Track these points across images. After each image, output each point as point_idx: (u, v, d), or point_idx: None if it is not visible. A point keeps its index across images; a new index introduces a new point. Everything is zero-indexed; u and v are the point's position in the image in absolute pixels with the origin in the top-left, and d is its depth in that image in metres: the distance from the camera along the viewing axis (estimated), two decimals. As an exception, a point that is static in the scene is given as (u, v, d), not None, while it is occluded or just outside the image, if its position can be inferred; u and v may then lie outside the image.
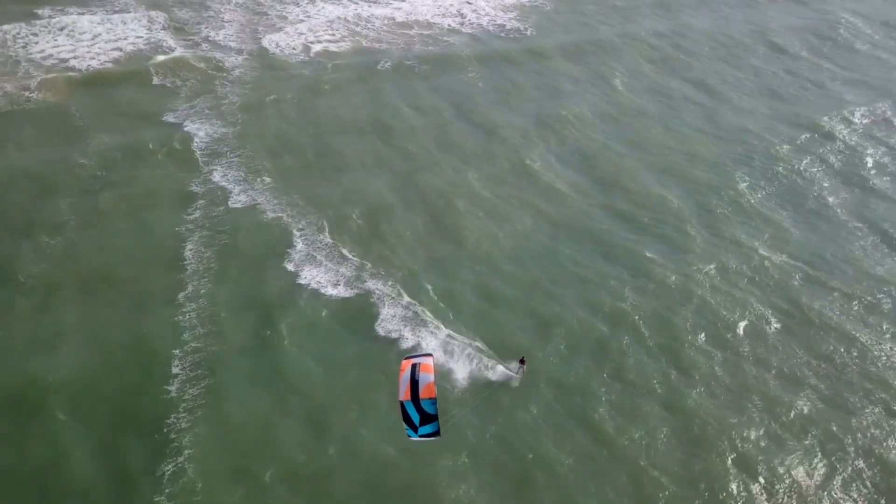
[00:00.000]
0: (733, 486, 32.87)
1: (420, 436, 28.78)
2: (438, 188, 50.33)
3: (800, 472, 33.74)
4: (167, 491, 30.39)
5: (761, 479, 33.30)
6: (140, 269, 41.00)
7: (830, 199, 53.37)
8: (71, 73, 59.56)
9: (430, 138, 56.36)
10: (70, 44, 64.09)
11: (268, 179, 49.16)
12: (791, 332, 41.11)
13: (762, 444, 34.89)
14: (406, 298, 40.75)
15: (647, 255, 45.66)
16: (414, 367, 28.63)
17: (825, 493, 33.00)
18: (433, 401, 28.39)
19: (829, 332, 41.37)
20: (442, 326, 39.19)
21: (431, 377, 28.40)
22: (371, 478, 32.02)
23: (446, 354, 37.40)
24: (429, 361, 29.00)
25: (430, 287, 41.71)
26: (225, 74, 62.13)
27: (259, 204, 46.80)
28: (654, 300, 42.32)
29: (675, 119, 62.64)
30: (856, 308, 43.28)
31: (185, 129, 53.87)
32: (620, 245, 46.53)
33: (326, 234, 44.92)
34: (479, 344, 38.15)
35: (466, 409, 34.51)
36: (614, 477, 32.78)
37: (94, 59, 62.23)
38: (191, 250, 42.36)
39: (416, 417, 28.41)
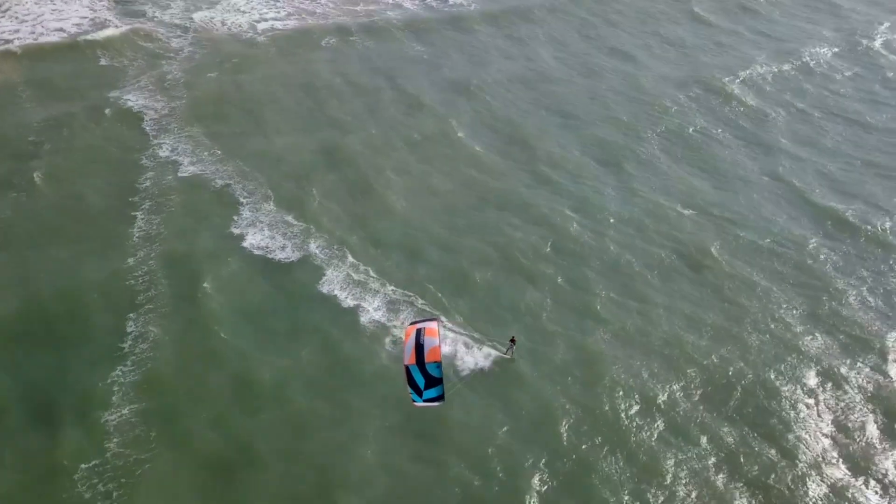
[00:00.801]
0: (633, 419, 35.79)
1: (425, 400, 29.17)
2: (372, 154, 52.50)
3: (691, 399, 36.89)
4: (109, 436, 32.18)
5: (661, 410, 36.35)
6: (90, 233, 42.57)
7: (737, 156, 57.26)
8: (14, 53, 60.14)
9: (362, 107, 58.46)
10: (13, 25, 64.63)
11: (216, 150, 50.76)
12: (697, 278, 44.32)
13: (660, 377, 37.78)
14: (350, 259, 42.79)
15: (567, 212, 48.52)
16: (419, 331, 29.03)
17: (713, 414, 36.01)
18: (438, 364, 28.72)
19: (733, 278, 44.65)
20: (387, 283, 41.33)
21: (437, 341, 28.77)
22: (296, 430, 33.52)
23: (390, 311, 39.64)
24: (433, 326, 29.33)
25: (368, 248, 43.81)
26: (170, 51, 63.26)
27: (206, 173, 48.40)
28: (569, 255, 45.00)
29: (596, 85, 65.74)
30: (760, 255, 46.67)
31: (132, 104, 55.02)
32: (541, 204, 49.18)
33: (271, 201, 46.74)
34: (419, 300, 40.40)
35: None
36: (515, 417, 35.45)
37: (37, 38, 62.87)
38: (141, 218, 44.05)
39: (421, 381, 28.75)
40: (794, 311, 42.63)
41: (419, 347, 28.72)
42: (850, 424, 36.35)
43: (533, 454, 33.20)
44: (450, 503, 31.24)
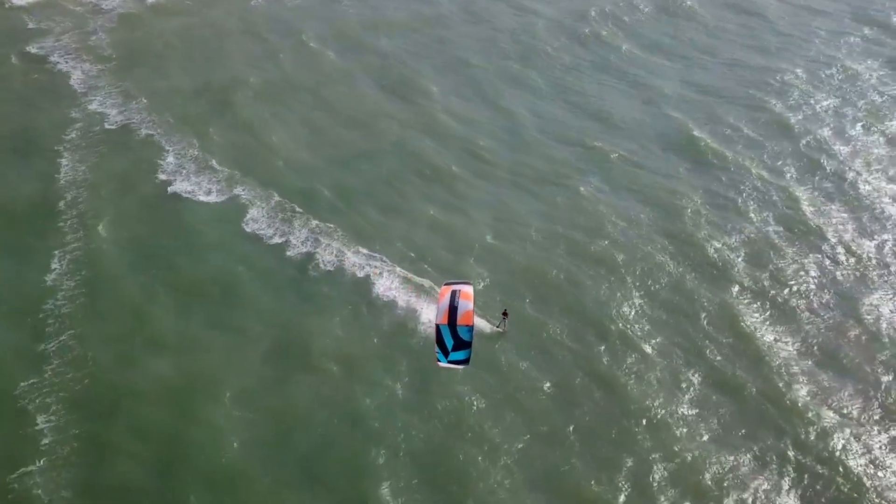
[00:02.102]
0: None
1: (449, 361, 29.21)
2: (302, 104, 54.37)
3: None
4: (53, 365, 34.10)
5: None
6: (16, 184, 43.94)
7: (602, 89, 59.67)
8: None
9: (292, 60, 60.03)
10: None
11: (143, 100, 52.24)
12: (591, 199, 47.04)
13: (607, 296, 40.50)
14: (276, 198, 44.64)
15: (481, 145, 51.13)
16: (454, 293, 29.02)
17: (635, 325, 38.80)
18: (470, 328, 28.75)
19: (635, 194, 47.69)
20: (311, 218, 43.27)
21: (470, 305, 28.81)
22: (231, 353, 35.89)
23: (312, 243, 41.72)
24: (468, 289, 29.31)
25: (297, 187, 45.85)
26: (100, 13, 63.93)
27: (132, 123, 49.87)
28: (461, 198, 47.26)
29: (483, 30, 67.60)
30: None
31: (61, 65, 55.95)
32: (454, 135, 52.11)
33: (196, 148, 48.31)
34: (341, 231, 42.56)
35: None
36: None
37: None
38: (66, 166, 45.45)
39: (449, 343, 28.83)
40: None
41: (452, 309, 28.71)
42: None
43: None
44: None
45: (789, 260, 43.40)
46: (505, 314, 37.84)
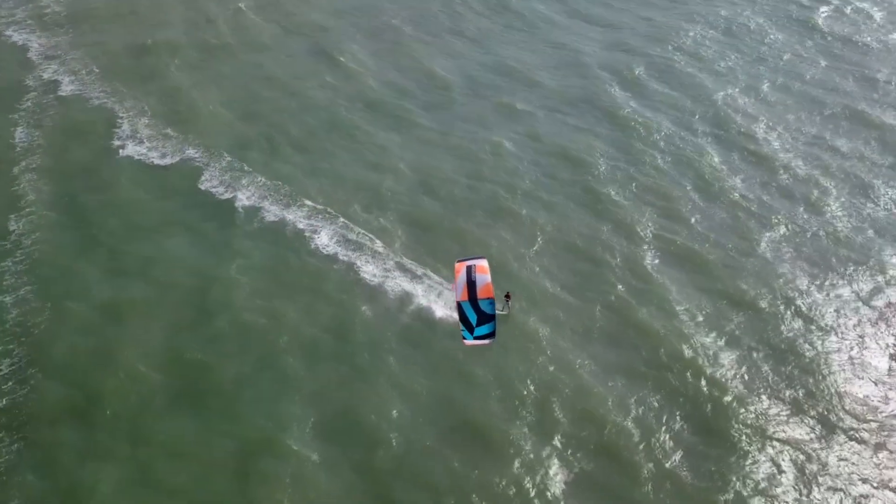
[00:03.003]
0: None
1: (475, 337, 29.40)
2: (250, 72, 56.15)
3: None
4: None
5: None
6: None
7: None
8: None
9: (234, 29, 61.80)
10: None
11: (95, 69, 53.91)
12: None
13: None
14: (227, 158, 46.70)
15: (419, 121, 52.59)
16: (469, 268, 29.11)
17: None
18: (491, 301, 29.03)
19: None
20: (261, 176, 45.36)
21: (488, 277, 28.98)
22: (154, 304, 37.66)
23: (259, 199, 43.89)
24: (483, 263, 29.48)
25: (246, 147, 48.03)
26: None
27: (86, 92, 51.59)
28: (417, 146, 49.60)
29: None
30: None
31: (15, 37, 57.52)
32: (389, 102, 53.81)
33: (149, 115, 50.13)
34: (287, 187, 44.64)
35: None
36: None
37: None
38: (21, 131, 47.25)
39: (473, 318, 29.08)
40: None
41: (471, 284, 28.94)
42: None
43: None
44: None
45: (693, 205, 45.61)
46: (507, 296, 37.72)
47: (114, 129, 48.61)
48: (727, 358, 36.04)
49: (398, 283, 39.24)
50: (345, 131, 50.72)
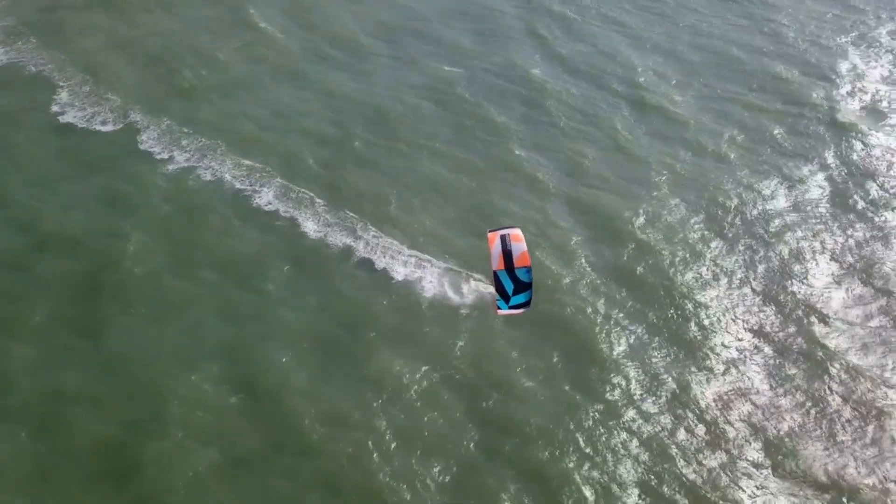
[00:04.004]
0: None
1: (510, 307, 29.63)
2: (179, 46, 55.74)
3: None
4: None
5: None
6: None
7: None
8: None
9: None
10: None
11: (33, 39, 53.68)
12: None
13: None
14: (166, 122, 47.24)
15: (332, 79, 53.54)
16: (503, 237, 29.21)
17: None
18: (528, 269, 29.14)
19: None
20: (203, 137, 46.08)
21: (524, 246, 29.16)
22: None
23: (197, 158, 44.66)
24: (517, 232, 29.64)
25: (181, 112, 48.49)
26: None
27: (22, 62, 51.57)
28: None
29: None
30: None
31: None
32: (312, 72, 54.35)
33: (90, 83, 50.33)
34: (223, 145, 45.53)
35: None
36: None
37: None
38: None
39: (509, 287, 29.19)
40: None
41: (507, 253, 29.13)
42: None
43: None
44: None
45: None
46: None
47: (55, 97, 48.56)
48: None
49: (339, 237, 40.60)
50: (296, 94, 51.39)
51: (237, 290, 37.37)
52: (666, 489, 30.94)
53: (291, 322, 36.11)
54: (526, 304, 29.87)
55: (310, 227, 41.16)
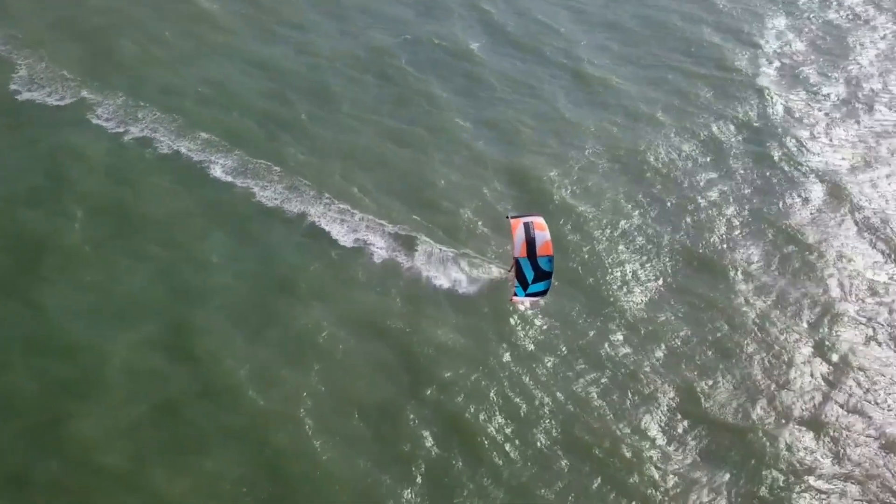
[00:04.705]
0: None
1: (527, 294, 30.21)
2: (126, 23, 56.90)
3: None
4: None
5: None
6: None
7: None
8: None
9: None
10: None
11: (-15, 20, 55.04)
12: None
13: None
14: (121, 97, 48.96)
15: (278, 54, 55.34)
16: (527, 225, 29.88)
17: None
18: (550, 258, 29.88)
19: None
20: (156, 111, 47.99)
21: (547, 235, 29.87)
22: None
23: (151, 131, 46.66)
24: (541, 220, 30.38)
25: (134, 89, 50.01)
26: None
27: (-22, 41, 53.09)
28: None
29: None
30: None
31: None
32: (259, 47, 56.01)
33: (46, 61, 51.93)
34: (181, 120, 47.50)
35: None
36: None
37: None
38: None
39: (529, 275, 29.89)
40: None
41: (530, 241, 29.76)
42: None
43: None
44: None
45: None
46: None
47: (12, 76, 50.01)
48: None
49: (290, 206, 42.83)
50: (242, 69, 53.25)
51: (183, 257, 39.36)
52: (578, 431, 33.73)
53: (231, 285, 38.16)
54: (543, 293, 30.47)
55: (264, 195, 43.28)
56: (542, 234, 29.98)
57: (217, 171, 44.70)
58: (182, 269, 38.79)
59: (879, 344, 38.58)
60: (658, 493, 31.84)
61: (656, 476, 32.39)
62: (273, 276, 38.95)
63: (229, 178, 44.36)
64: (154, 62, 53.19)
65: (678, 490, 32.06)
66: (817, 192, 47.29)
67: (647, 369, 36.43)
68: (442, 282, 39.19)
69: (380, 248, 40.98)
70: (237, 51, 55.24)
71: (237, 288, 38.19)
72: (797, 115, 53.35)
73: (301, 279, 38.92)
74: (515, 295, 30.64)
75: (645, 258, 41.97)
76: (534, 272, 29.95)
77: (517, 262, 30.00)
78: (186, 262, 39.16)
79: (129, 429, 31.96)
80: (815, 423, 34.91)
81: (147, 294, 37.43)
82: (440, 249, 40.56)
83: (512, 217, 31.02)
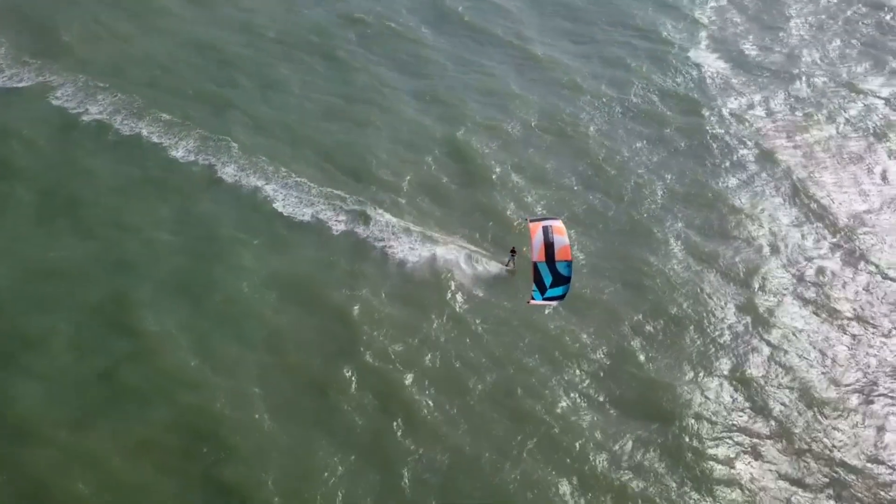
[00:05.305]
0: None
1: (545, 298, 29.55)
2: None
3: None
4: None
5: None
6: None
7: None
8: None
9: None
10: None
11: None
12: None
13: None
14: (82, 78, 50.23)
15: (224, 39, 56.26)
16: (545, 229, 29.18)
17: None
18: (569, 263, 29.14)
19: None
20: (117, 92, 49.24)
21: (566, 239, 29.22)
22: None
23: (111, 113, 47.92)
24: (559, 224, 29.64)
25: (101, 69, 51.55)
26: None
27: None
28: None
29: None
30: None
31: None
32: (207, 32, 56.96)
33: (5, 46, 52.82)
34: (119, 93, 48.92)
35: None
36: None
37: None
38: None
39: (548, 279, 29.19)
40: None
41: (548, 245, 29.01)
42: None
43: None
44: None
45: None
46: (513, 251, 39.16)
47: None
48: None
49: (251, 180, 44.49)
50: (198, 52, 54.50)
51: (129, 232, 40.60)
52: (514, 393, 35.19)
53: (175, 258, 39.48)
54: (561, 297, 29.75)
55: (203, 167, 44.93)
56: (561, 238, 29.43)
57: (173, 151, 45.94)
58: (128, 244, 39.88)
59: (805, 302, 40.80)
60: (591, 447, 33.41)
61: (587, 430, 34.04)
62: (218, 249, 40.22)
63: (181, 156, 45.65)
64: (106, 42, 54.29)
65: (610, 443, 33.71)
66: (750, 158, 49.80)
67: (582, 333, 38.04)
68: (384, 253, 40.98)
69: (325, 221, 42.56)
70: (188, 34, 56.28)
71: (179, 260, 39.42)
72: (733, 85, 56.02)
73: (247, 251, 40.30)
74: (532, 298, 30.30)
75: (583, 226, 43.83)
76: (552, 277, 29.43)
77: (535, 267, 29.49)
78: (132, 238, 40.23)
79: (72, 396, 32.98)
80: (740, 377, 37.05)
81: (89, 267, 38.45)
82: (386, 222, 42.43)
83: (531, 220, 30.55)
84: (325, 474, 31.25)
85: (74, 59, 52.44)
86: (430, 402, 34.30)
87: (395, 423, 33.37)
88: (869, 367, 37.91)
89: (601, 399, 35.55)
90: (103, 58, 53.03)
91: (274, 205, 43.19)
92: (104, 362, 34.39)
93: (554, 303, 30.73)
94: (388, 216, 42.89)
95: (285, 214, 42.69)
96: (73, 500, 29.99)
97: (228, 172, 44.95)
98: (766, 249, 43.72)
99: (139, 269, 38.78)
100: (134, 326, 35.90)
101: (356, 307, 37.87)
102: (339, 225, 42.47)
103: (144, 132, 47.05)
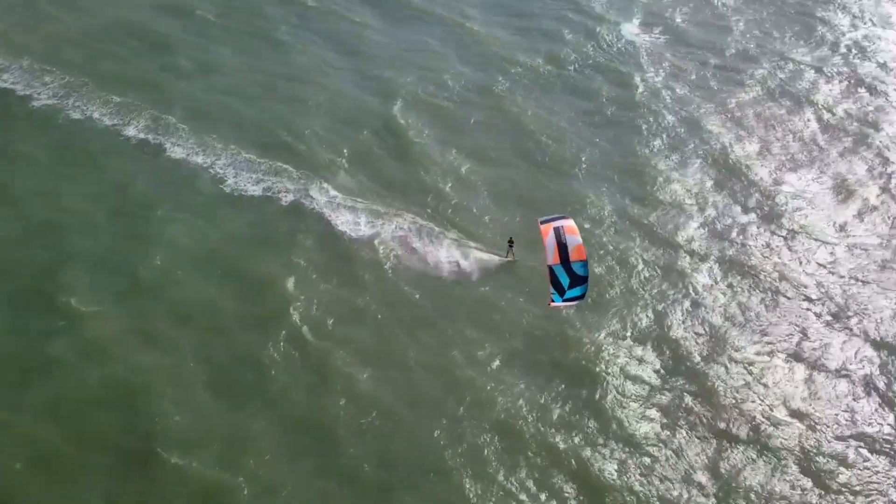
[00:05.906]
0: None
1: (565, 299, 29.11)
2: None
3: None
4: None
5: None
6: None
7: None
8: None
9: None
10: None
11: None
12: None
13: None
14: (38, 65, 50.47)
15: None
16: (557, 230, 28.75)
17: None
18: (584, 263, 28.68)
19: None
20: (65, 76, 49.52)
21: (578, 239, 28.76)
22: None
23: (62, 97, 47.95)
24: (571, 223, 29.20)
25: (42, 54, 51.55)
26: None
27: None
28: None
29: None
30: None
31: None
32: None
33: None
34: (91, 84, 49.06)
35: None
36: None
37: None
38: None
39: (565, 281, 28.72)
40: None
41: (562, 246, 28.59)
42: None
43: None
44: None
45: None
46: (511, 243, 39.41)
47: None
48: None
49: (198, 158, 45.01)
50: (149, 39, 54.77)
51: (66, 217, 40.62)
52: (449, 371, 35.69)
53: (105, 235, 39.88)
54: (581, 297, 29.53)
55: (132, 138, 45.80)
56: (574, 237, 29.05)
57: (122, 131, 46.37)
58: (65, 227, 39.98)
59: (730, 263, 42.36)
60: (521, 408, 34.25)
61: (518, 391, 34.84)
62: (156, 225, 40.53)
63: (122, 133, 46.09)
64: (58, 24, 54.44)
65: (540, 403, 34.51)
66: (679, 126, 51.64)
67: (519, 297, 39.23)
68: (324, 227, 41.64)
69: (264, 196, 42.97)
70: (131, 19, 56.37)
71: (116, 237, 39.61)
72: (665, 56, 58.13)
73: (184, 226, 40.70)
74: (553, 301, 30.01)
75: (519, 196, 45.30)
76: (569, 278, 28.98)
77: (551, 270, 29.15)
78: (69, 220, 40.36)
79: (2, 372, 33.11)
80: (665, 336, 38.04)
81: (21, 246, 38.70)
82: (326, 200, 43.29)
83: (542, 222, 30.12)
84: (263, 445, 31.81)
85: (17, 39, 52.35)
86: (365, 371, 35.12)
87: (332, 392, 34.07)
88: (792, 324, 39.39)
89: (532, 361, 36.44)
90: (48, 37, 52.91)
91: (216, 182, 43.54)
92: (36, 340, 34.46)
93: (575, 303, 30.43)
94: (329, 191, 43.55)
95: (227, 191, 43.15)
96: (5, 477, 30.06)
97: (168, 149, 45.16)
98: (693, 211, 45.12)
99: (72, 246, 38.82)
100: (67, 304, 35.93)
101: (291, 279, 38.39)
102: (279, 200, 42.79)
103: (96, 115, 47.23)
